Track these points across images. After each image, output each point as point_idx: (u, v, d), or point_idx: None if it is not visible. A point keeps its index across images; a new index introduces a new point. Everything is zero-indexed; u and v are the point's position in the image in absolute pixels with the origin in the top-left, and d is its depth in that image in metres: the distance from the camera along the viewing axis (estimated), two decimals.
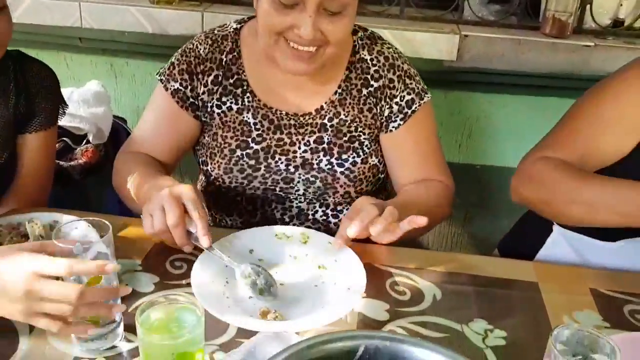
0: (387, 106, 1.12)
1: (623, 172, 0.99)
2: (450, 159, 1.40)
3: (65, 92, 1.33)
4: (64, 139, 1.47)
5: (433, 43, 1.72)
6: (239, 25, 1.15)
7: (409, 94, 1.12)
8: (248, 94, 1.12)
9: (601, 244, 1.07)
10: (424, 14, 1.80)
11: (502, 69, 1.72)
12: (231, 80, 1.13)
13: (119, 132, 1.58)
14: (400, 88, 1.12)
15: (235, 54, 1.13)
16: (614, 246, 1.06)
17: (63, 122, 1.46)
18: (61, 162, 1.44)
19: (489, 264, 1.00)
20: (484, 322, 0.84)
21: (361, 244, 0.95)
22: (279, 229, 1.00)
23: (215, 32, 1.16)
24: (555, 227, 1.14)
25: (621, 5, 1.73)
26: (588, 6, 1.72)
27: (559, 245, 1.14)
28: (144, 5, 1.76)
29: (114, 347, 0.75)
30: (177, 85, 1.12)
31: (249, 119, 1.11)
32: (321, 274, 0.91)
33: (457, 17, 1.80)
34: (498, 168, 1.94)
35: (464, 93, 1.86)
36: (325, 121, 1.12)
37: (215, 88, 1.13)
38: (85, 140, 1.50)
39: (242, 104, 1.12)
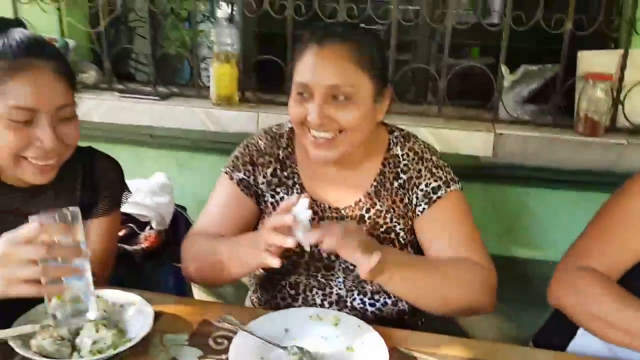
0: (414, 195, 1.22)
1: None
2: (491, 251, 1.47)
3: (134, 183, 1.51)
4: (130, 224, 1.64)
5: (469, 140, 1.84)
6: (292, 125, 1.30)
7: (435, 181, 1.22)
8: (297, 186, 1.26)
9: None
10: (460, 113, 1.93)
11: (537, 165, 1.81)
12: (285, 173, 1.27)
13: (179, 219, 1.74)
14: (427, 176, 1.22)
15: (290, 149, 1.28)
16: None
17: (130, 209, 1.65)
18: (125, 246, 1.60)
19: (516, 352, 1.05)
20: None
21: (388, 328, 1.03)
22: (312, 310, 1.09)
23: (273, 129, 1.31)
24: None
25: None
26: (620, 106, 1.80)
27: (589, 337, 1.17)
28: (206, 107, 1.98)
29: None
30: (241, 175, 1.26)
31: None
32: (350, 355, 0.99)
33: (492, 115, 1.92)
34: (539, 262, 1.97)
35: (502, 187, 1.94)
36: (363, 212, 1.23)
37: (273, 179, 1.27)
38: (148, 227, 1.67)
39: (290, 194, 1.25)
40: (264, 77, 2.23)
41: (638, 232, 1.10)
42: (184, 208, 1.83)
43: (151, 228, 1.67)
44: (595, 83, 1.74)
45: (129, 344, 0.95)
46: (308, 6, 1.98)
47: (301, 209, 1.00)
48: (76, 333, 0.97)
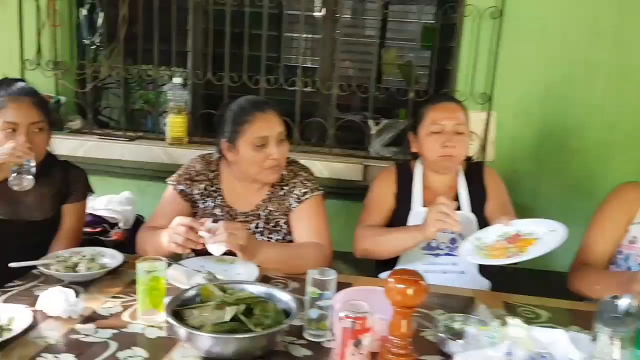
0: (291, 198, 1.88)
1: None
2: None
3: (108, 197, 2.26)
4: (104, 224, 2.36)
5: (347, 169, 2.64)
6: (219, 156, 1.92)
7: (305, 188, 1.86)
8: (220, 197, 1.89)
9: None
10: (344, 152, 2.74)
11: None
12: (213, 188, 1.89)
13: (139, 223, 2.46)
14: (299, 186, 1.87)
15: (217, 172, 1.91)
16: None
17: (103, 213, 2.37)
18: (102, 238, 2.31)
19: None
20: None
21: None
22: (220, 257, 1.80)
23: (206, 157, 1.95)
24: None
25: None
26: None
27: None
28: (163, 146, 2.74)
29: None
30: (182, 187, 1.87)
31: (217, 212, 1.90)
32: (239, 276, 1.69)
33: (365, 154, 2.74)
34: None
35: None
36: (260, 212, 1.89)
37: (204, 192, 1.88)
38: (117, 226, 2.38)
39: (215, 203, 1.90)
40: (207, 125, 2.90)
41: (611, 224, 1.81)
42: (142, 217, 2.55)
43: (119, 227, 2.39)
44: None
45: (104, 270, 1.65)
46: (239, 76, 2.79)
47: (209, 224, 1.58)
48: (75, 265, 1.67)
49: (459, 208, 1.94)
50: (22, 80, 1.95)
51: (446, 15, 2.67)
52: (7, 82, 1.85)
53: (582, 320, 1.50)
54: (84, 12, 2.85)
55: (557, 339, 1.30)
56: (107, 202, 2.38)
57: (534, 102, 2.66)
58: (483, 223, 1.95)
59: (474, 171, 2.06)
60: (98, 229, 2.32)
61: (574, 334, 1.33)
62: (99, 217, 2.34)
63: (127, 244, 2.32)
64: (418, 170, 2.05)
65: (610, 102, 2.62)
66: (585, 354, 1.23)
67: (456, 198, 1.98)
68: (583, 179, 2.71)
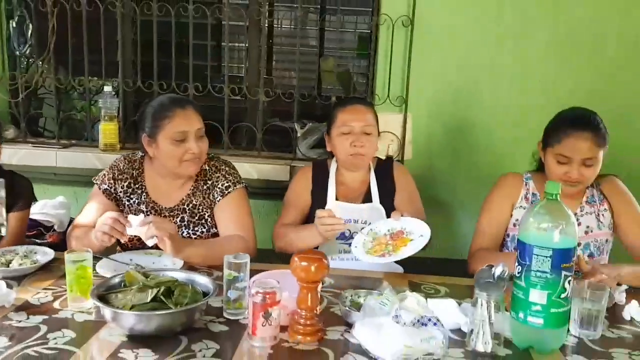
0: (215, 192, 2.00)
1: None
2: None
3: (43, 201, 2.34)
4: (39, 227, 2.43)
5: (275, 170, 2.80)
6: (142, 154, 2.05)
7: (227, 182, 1.98)
8: (145, 194, 2.04)
9: None
10: (272, 154, 2.91)
11: None
12: (137, 185, 2.01)
13: None
14: (222, 180, 1.98)
15: (140, 170, 2.03)
16: None
17: (39, 217, 2.44)
18: (37, 240, 2.38)
19: None
20: None
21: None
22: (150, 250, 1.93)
23: (130, 156, 2.04)
24: None
25: None
26: None
27: None
28: (96, 153, 2.83)
29: None
30: (106, 186, 1.98)
31: (142, 208, 2.03)
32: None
33: (292, 155, 2.91)
34: None
35: None
36: (185, 206, 2.02)
37: (127, 190, 1.99)
38: (52, 229, 2.46)
39: (140, 199, 2.05)
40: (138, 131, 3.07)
41: (498, 211, 2.03)
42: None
43: (54, 230, 2.47)
44: None
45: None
46: (168, 84, 2.91)
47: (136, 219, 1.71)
48: (9, 262, 1.76)
49: (369, 200, 2.14)
50: None
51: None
52: None
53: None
54: (13, 23, 2.91)
55: (447, 306, 1.50)
56: (42, 206, 2.45)
57: (446, 103, 2.89)
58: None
59: (383, 167, 2.24)
60: (33, 232, 2.38)
61: (466, 305, 1.52)
62: (34, 220, 2.41)
63: (62, 246, 2.38)
64: (333, 168, 2.23)
65: (514, 102, 2.88)
66: (469, 318, 1.41)
67: (368, 191, 2.17)
68: (493, 173, 2.95)
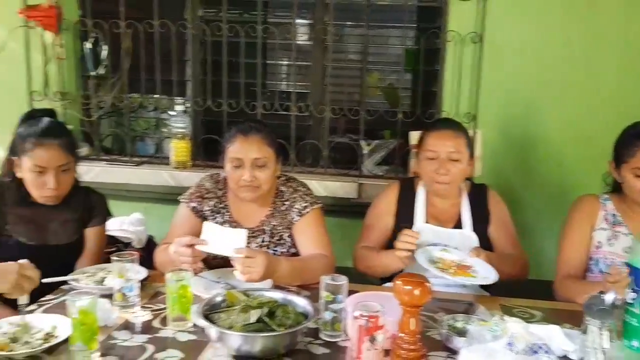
0: (293, 212, 2.02)
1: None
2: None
3: (119, 218, 2.39)
4: (118, 244, 2.48)
5: (343, 188, 2.80)
6: (225, 175, 2.02)
7: (305, 202, 2.00)
8: (228, 213, 2.04)
9: None
10: (338, 171, 2.91)
11: None
12: (221, 205, 2.04)
13: (150, 241, 2.59)
14: (299, 201, 2.00)
15: (224, 190, 2.05)
16: None
17: (117, 234, 2.50)
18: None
19: None
20: None
21: None
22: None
23: (214, 176, 2.07)
24: None
25: None
26: None
27: None
28: (169, 170, 2.88)
29: None
30: (194, 204, 2.01)
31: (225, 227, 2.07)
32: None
33: (358, 172, 2.91)
34: None
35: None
36: (264, 227, 2.04)
37: (213, 209, 2.02)
38: (130, 246, 2.51)
39: (224, 219, 2.04)
40: (208, 148, 3.06)
41: (579, 235, 1.99)
42: (152, 236, 2.68)
43: (132, 247, 2.52)
44: None
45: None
46: (237, 103, 2.95)
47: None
48: (102, 280, 1.80)
49: (460, 226, 2.10)
50: (50, 111, 2.03)
51: (429, 40, 2.87)
52: (35, 118, 1.92)
53: (572, 318, 1.64)
54: (88, 45, 3.00)
55: (552, 332, 1.46)
56: (119, 223, 2.51)
57: (515, 119, 2.85)
58: (485, 242, 2.08)
59: (477, 193, 2.16)
60: (112, 249, 2.43)
61: (567, 330, 1.48)
62: (112, 237, 2.46)
63: (142, 263, 2.43)
64: (421, 189, 2.17)
65: (585, 119, 2.82)
66: (578, 346, 1.38)
67: (459, 216, 2.12)
68: (564, 191, 2.90)
